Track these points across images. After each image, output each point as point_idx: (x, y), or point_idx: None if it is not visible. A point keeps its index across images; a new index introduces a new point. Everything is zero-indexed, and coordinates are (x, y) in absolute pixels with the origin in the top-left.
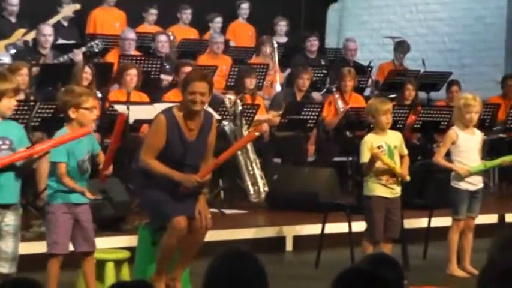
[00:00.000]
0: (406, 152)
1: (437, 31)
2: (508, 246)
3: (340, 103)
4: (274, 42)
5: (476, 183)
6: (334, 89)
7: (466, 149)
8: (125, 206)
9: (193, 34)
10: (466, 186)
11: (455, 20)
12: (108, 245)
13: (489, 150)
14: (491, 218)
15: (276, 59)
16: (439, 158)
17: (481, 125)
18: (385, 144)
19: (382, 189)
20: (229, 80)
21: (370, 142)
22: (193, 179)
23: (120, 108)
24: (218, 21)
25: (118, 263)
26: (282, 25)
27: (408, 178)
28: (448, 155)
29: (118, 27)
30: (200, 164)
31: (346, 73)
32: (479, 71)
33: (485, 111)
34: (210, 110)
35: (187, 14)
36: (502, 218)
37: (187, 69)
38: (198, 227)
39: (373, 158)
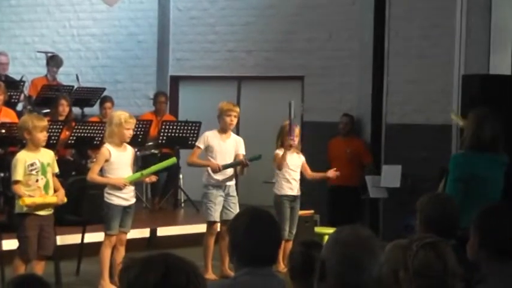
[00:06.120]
0: (57, 169)
1: (90, 47)
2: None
3: None
4: None
5: (129, 198)
6: None
7: (118, 166)
8: None
9: None
10: (119, 201)
11: (108, 36)
12: None
13: (142, 165)
14: (144, 233)
15: None
16: (93, 175)
17: (134, 141)
18: (38, 162)
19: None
20: None
21: (24, 159)
22: None
23: None
24: None
25: None
26: None
27: (65, 200)
28: (100, 173)
29: None
30: None
31: None
32: (132, 88)
33: (138, 127)
34: None
35: None
36: (154, 232)
37: None
38: None
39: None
